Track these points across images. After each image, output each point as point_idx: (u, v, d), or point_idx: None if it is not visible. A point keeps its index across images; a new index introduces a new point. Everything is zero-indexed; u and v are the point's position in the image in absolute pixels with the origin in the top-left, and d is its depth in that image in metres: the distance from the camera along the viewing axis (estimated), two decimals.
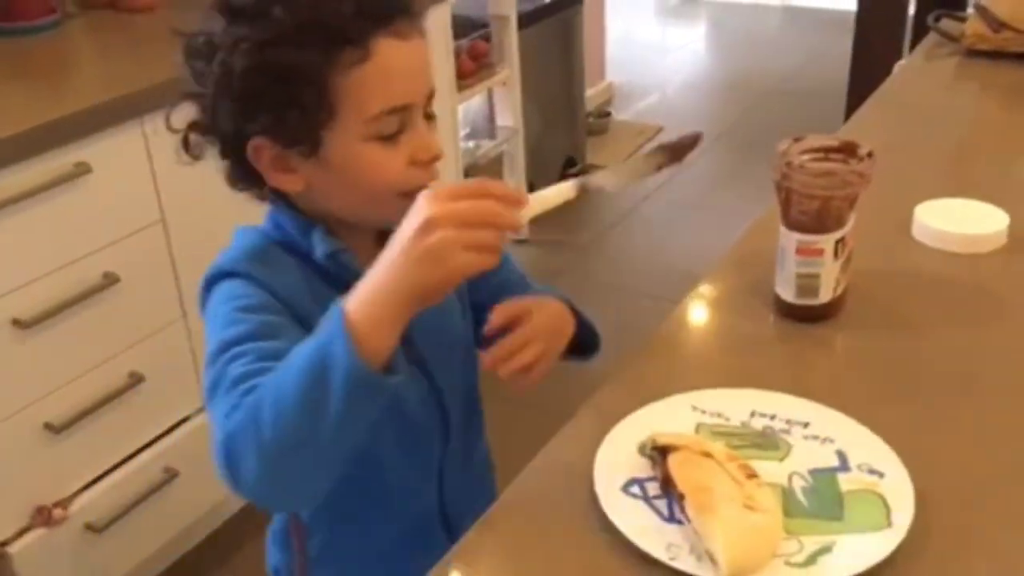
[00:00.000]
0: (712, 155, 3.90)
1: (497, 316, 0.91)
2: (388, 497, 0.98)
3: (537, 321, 0.92)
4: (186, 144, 0.91)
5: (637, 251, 3.37)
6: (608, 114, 4.11)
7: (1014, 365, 0.99)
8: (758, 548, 0.74)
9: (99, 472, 1.75)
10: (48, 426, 1.64)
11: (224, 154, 0.90)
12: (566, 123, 3.54)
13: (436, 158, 0.89)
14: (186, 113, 0.90)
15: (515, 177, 3.15)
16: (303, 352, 0.74)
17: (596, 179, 0.81)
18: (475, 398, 1.05)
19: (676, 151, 0.83)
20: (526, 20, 3.09)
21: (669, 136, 0.86)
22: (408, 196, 0.81)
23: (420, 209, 0.73)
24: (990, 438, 0.89)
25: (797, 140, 1.04)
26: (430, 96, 0.90)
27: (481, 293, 1.01)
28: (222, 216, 1.85)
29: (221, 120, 0.87)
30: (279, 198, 0.93)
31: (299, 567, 1.02)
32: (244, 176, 0.92)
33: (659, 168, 0.83)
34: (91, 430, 1.71)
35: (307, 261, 0.91)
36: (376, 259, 0.79)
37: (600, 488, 0.81)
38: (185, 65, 0.88)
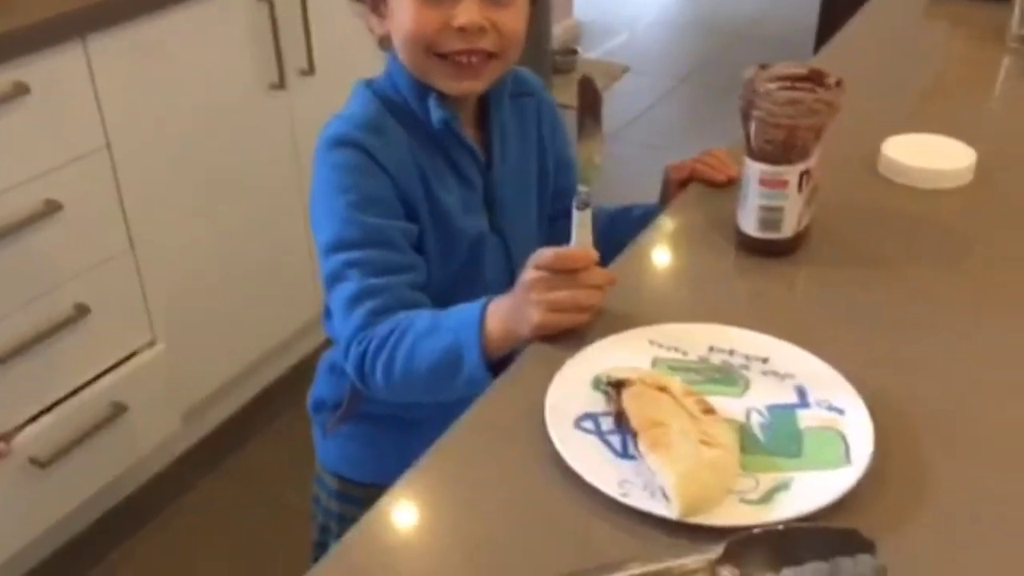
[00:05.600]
0: (679, 96, 3.86)
1: None
2: None
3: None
4: None
5: (602, 192, 3.31)
6: (575, 52, 4.04)
7: (976, 303, 0.97)
8: (712, 484, 0.72)
9: (44, 405, 1.70)
10: None
11: None
12: (531, 60, 3.43)
13: (465, 27, 0.95)
14: None
15: None
16: (444, 333, 0.90)
17: (585, 187, 0.90)
18: None
19: (593, 108, 0.91)
20: None
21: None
22: (439, 57, 0.98)
23: (526, 272, 0.88)
24: (951, 376, 0.87)
25: (763, 67, 1.00)
26: None
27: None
28: (172, 145, 1.80)
29: None
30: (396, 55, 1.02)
31: (348, 400, 1.13)
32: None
33: (600, 129, 0.92)
34: (36, 362, 1.65)
35: (415, 129, 1.01)
36: (475, 136, 1.05)
37: (552, 422, 0.79)
38: None
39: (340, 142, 0.99)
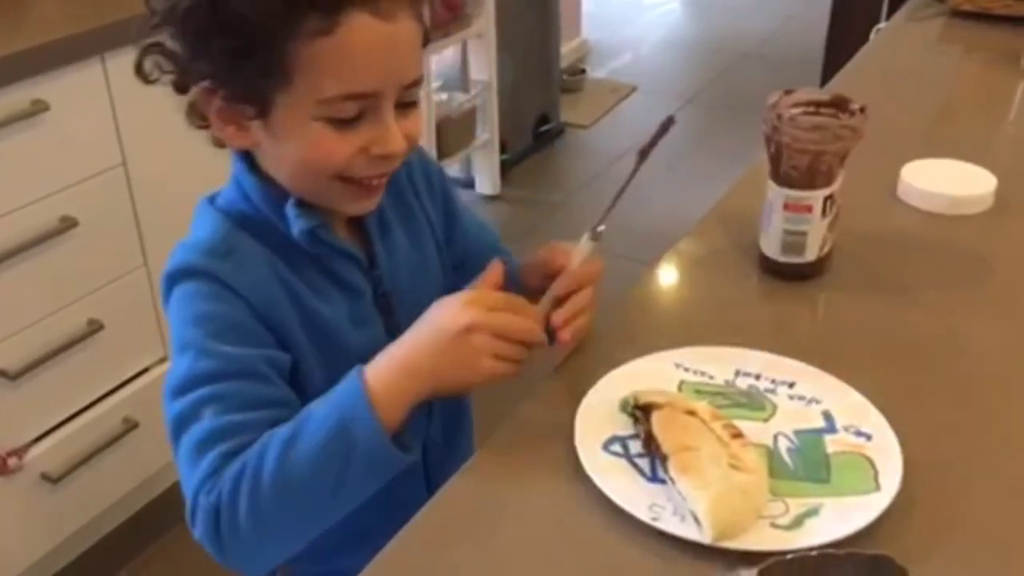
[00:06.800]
0: (686, 117, 3.87)
1: (560, 286, 0.87)
2: None
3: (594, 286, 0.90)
4: (139, 64, 0.81)
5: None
6: (583, 71, 4.06)
7: (999, 327, 0.97)
8: (743, 509, 0.72)
9: (56, 421, 1.70)
10: (3, 372, 1.58)
11: (176, 87, 0.82)
12: (540, 79, 3.49)
13: (392, 154, 0.82)
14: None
15: (488, 132, 3.10)
16: (319, 421, 0.75)
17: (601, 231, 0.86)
18: None
19: (649, 146, 0.87)
20: None
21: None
22: (347, 181, 0.82)
23: (460, 311, 0.78)
24: (975, 400, 0.87)
25: (787, 93, 1.01)
26: (411, 84, 0.81)
27: (455, 253, 1.01)
28: (186, 163, 1.80)
29: (174, 50, 0.79)
30: (242, 152, 0.86)
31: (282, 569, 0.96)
32: (201, 115, 0.84)
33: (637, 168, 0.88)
34: (48, 378, 1.65)
35: (277, 242, 0.85)
36: (349, 233, 0.88)
37: (580, 445, 0.79)
38: None
39: (184, 273, 0.82)
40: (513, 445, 0.82)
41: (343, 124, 0.79)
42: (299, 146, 0.80)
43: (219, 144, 0.87)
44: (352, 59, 0.76)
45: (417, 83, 0.82)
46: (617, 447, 0.79)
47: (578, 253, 0.88)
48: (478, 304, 0.79)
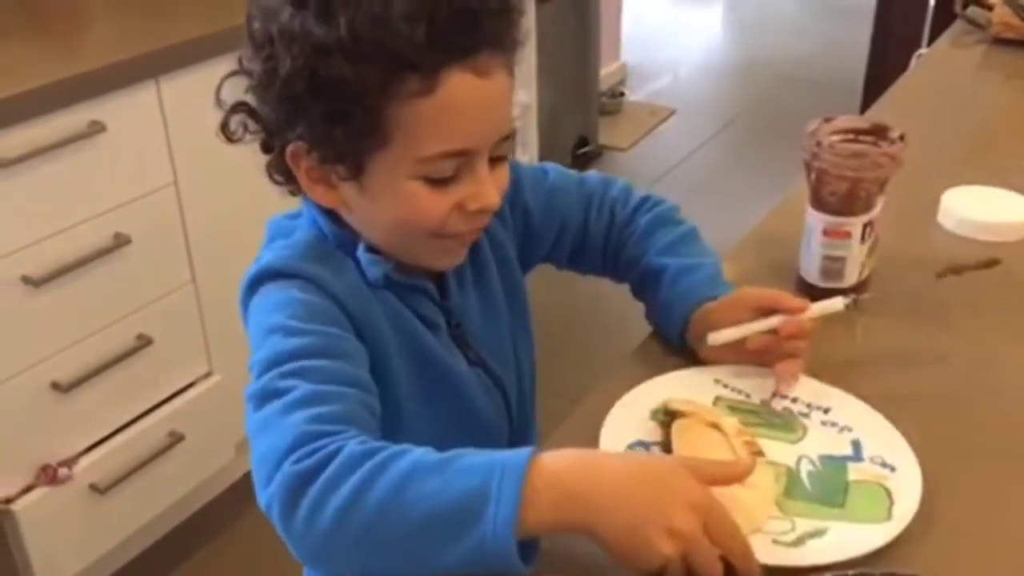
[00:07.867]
0: (724, 140, 3.88)
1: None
2: None
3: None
4: (225, 125, 0.83)
5: None
6: (622, 94, 4.09)
7: None
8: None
9: (105, 433, 1.74)
10: (55, 385, 1.63)
11: (264, 147, 0.83)
12: (580, 101, 3.52)
13: (486, 209, 0.81)
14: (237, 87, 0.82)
15: (527, 154, 3.13)
16: (465, 469, 0.67)
17: (865, 298, 0.90)
18: (531, 387, 1.03)
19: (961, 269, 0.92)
20: None
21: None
22: (441, 237, 0.82)
23: (691, 490, 0.67)
24: (1007, 432, 0.87)
25: (827, 120, 1.03)
26: (504, 137, 0.81)
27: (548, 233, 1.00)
28: (235, 184, 1.85)
29: (265, 112, 0.80)
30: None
31: None
32: (282, 172, 0.84)
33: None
34: (98, 391, 1.70)
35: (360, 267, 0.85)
36: (422, 271, 0.86)
37: (605, 446, 0.81)
38: (246, 37, 0.78)
39: (273, 274, 0.81)
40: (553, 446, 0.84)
41: (439, 182, 0.79)
42: (395, 205, 0.80)
43: (294, 193, 0.87)
44: (451, 118, 0.76)
45: (509, 136, 0.82)
46: (640, 451, 0.81)
47: (821, 308, 0.91)
48: (712, 511, 0.67)
